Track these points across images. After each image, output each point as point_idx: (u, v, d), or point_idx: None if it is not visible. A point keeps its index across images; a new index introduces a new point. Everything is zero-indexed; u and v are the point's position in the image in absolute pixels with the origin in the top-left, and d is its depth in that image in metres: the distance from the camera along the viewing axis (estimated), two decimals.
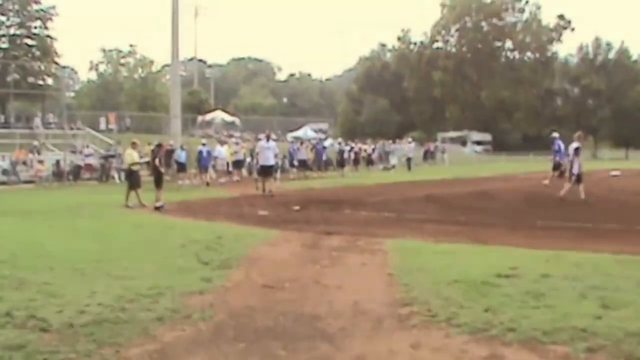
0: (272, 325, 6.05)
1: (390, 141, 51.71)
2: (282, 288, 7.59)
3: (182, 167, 30.14)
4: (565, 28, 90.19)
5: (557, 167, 24.80)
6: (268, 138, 23.11)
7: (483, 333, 5.61)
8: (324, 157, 37.28)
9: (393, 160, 44.67)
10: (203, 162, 29.76)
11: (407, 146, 44.09)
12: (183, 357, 5.14)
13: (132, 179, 19.01)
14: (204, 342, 5.53)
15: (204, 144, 30.60)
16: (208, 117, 52.23)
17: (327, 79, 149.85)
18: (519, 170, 38.57)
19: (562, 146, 24.77)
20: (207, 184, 28.67)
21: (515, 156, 61.73)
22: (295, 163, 34.22)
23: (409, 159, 42.22)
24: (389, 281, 7.87)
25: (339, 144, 41.30)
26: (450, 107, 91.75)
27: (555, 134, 26.20)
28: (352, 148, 39.80)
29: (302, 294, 7.29)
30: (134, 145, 19.47)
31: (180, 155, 29.96)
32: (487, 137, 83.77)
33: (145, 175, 21.60)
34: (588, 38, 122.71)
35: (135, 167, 19.15)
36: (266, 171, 22.49)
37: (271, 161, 22.54)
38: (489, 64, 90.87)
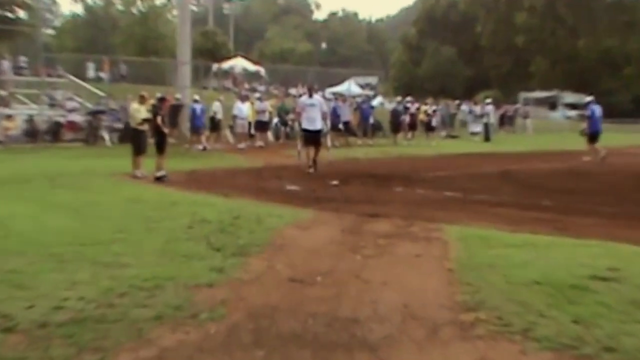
0: (300, 329, 6.09)
1: (457, 102, 51.25)
2: (314, 283, 7.64)
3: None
4: None
5: (592, 137, 24.22)
6: (310, 92, 21.30)
7: (571, 351, 5.54)
8: (371, 120, 36.89)
9: (476, 127, 43.97)
10: (196, 122, 30.26)
11: (486, 108, 43.58)
12: None
13: (138, 142, 19.04)
14: (213, 348, 5.58)
15: (196, 100, 30.90)
16: (225, 65, 52.43)
17: (377, 20, 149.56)
18: (627, 143, 37.93)
19: (597, 113, 24.29)
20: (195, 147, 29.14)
21: (623, 124, 59.73)
22: (341, 126, 33.47)
23: (486, 125, 41.89)
24: (449, 279, 7.85)
25: (398, 103, 40.66)
26: (536, 60, 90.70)
27: (589, 98, 25.53)
28: (407, 109, 39.20)
29: (339, 291, 7.31)
30: (141, 99, 19.37)
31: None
32: (584, 99, 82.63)
33: None
34: None
35: (142, 127, 19.21)
36: (312, 138, 20.52)
37: (318, 124, 20.54)
38: (589, 3, 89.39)
